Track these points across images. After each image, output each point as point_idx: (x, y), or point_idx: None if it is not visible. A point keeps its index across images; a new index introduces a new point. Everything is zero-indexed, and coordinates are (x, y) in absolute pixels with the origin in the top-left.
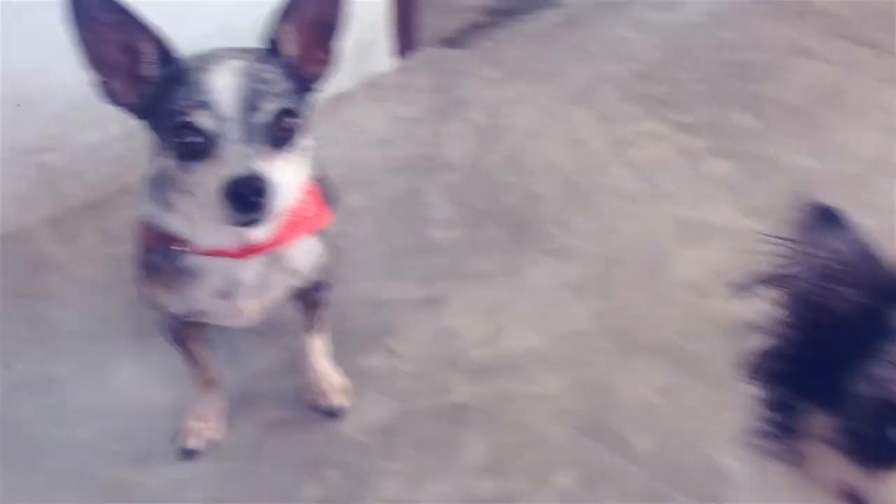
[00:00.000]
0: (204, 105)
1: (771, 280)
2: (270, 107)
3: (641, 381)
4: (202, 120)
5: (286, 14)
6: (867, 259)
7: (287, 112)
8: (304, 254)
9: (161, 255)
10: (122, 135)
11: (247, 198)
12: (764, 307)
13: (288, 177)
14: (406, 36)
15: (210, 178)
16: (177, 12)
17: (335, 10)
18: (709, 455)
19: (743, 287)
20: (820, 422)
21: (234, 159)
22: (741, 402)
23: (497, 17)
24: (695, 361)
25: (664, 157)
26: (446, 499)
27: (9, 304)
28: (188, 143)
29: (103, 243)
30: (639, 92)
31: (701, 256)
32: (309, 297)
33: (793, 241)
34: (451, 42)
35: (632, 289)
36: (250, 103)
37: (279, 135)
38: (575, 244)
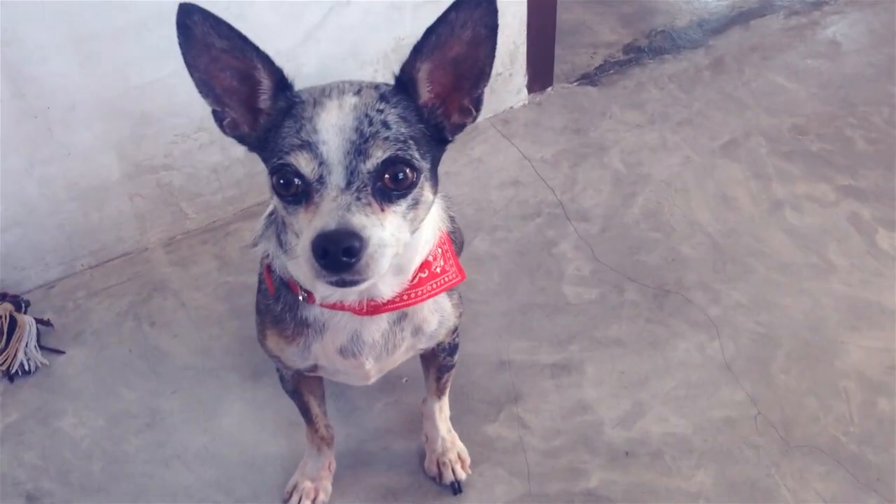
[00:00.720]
0: (306, 147)
1: None
2: (379, 154)
3: (806, 489)
4: (301, 163)
5: (419, 51)
6: None
7: (401, 161)
8: (433, 314)
9: (283, 304)
10: (245, 158)
11: (334, 257)
12: None
13: (399, 234)
14: (540, 70)
15: (306, 227)
16: (309, 33)
17: (483, 53)
18: None
19: None
20: None
21: (330, 210)
22: None
23: (637, 54)
24: (870, 471)
25: (829, 225)
26: None
27: (122, 327)
28: (288, 186)
29: (218, 271)
30: (797, 148)
31: (874, 345)
32: (435, 360)
33: None
34: (588, 79)
35: (792, 375)
36: (358, 148)
37: (389, 187)
38: (725, 317)
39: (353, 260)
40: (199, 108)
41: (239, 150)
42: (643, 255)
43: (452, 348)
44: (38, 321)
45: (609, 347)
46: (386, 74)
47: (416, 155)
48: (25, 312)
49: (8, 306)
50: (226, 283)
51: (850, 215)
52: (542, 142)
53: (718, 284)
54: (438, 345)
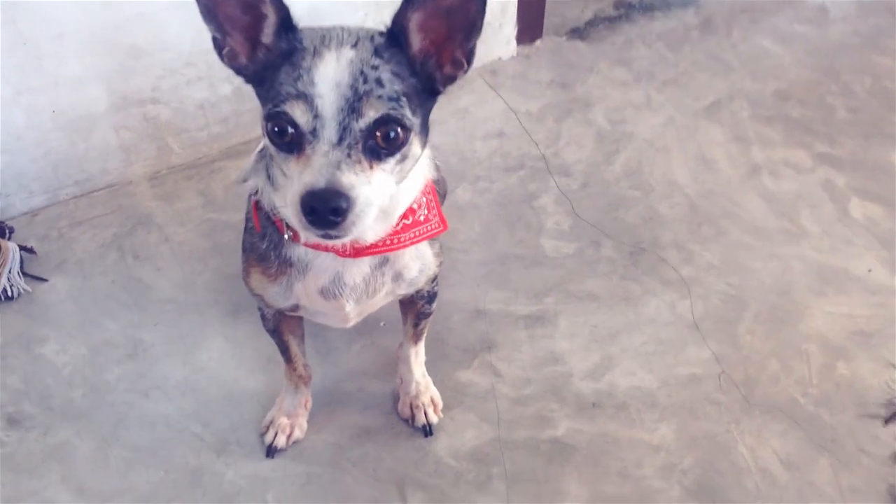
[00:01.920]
0: (302, 98)
1: None
2: (372, 113)
3: (762, 445)
4: (297, 113)
5: (411, 1)
6: None
7: (393, 120)
8: (414, 261)
9: (268, 241)
10: (233, 95)
11: (322, 215)
12: None
13: (386, 188)
14: (530, 22)
15: (296, 178)
16: None
17: (475, 4)
18: None
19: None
20: None
21: (321, 166)
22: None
23: (627, 10)
24: (825, 431)
25: (804, 192)
26: None
27: (105, 258)
28: (282, 134)
29: (202, 207)
30: (778, 113)
31: (838, 310)
32: (414, 306)
33: None
34: (577, 33)
35: (757, 336)
36: (352, 105)
37: (381, 145)
38: (697, 277)
39: (339, 219)
40: (189, 43)
41: (226, 88)
42: (622, 212)
43: (431, 296)
44: (22, 248)
45: (583, 301)
46: (376, 19)
47: (408, 113)
48: (9, 239)
49: None
50: (209, 219)
51: (824, 182)
52: (528, 94)
53: (692, 245)
54: (417, 292)
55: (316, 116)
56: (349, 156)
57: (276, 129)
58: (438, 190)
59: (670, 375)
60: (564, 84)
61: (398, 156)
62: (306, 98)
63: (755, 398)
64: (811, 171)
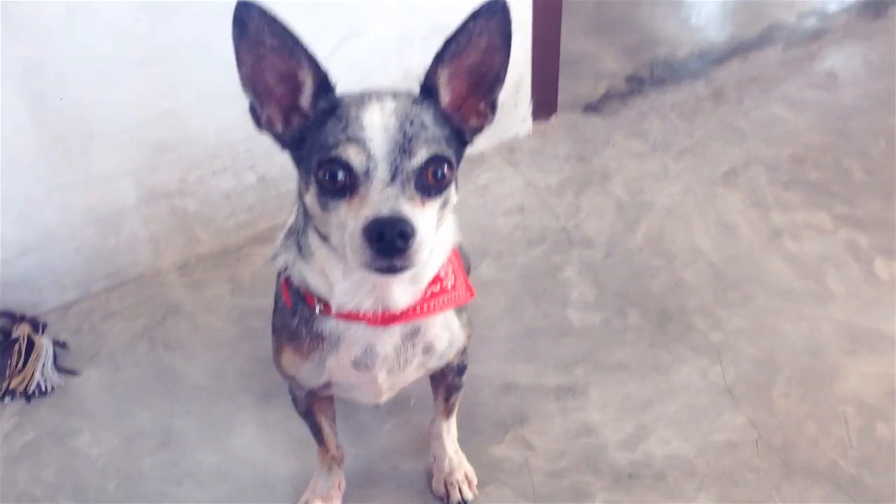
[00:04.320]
0: (355, 141)
1: None
2: (423, 152)
3: None
4: (351, 156)
5: (441, 58)
6: None
7: (441, 160)
8: (444, 331)
9: (299, 317)
10: (258, 184)
11: (390, 240)
12: None
13: (434, 229)
14: (545, 99)
15: (352, 217)
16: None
17: (499, 59)
18: None
19: None
20: None
21: (380, 200)
22: None
23: (639, 84)
24: (869, 494)
25: (827, 253)
26: None
27: (137, 349)
28: (334, 180)
29: (231, 294)
30: (795, 178)
31: (872, 371)
32: (444, 380)
33: None
34: (591, 108)
35: (792, 399)
36: (402, 146)
37: (430, 183)
38: (727, 342)
39: (407, 245)
40: (213, 136)
41: (251, 177)
42: (646, 280)
43: (461, 369)
44: (55, 342)
45: (613, 371)
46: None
47: (451, 156)
48: (43, 334)
49: (26, 328)
50: (238, 305)
51: (847, 243)
52: (546, 169)
53: (719, 310)
54: (447, 365)
55: (369, 157)
56: (403, 192)
57: (327, 175)
58: (462, 261)
59: (707, 443)
60: (582, 157)
61: (444, 196)
62: (358, 141)
63: (795, 463)
64: (833, 233)
